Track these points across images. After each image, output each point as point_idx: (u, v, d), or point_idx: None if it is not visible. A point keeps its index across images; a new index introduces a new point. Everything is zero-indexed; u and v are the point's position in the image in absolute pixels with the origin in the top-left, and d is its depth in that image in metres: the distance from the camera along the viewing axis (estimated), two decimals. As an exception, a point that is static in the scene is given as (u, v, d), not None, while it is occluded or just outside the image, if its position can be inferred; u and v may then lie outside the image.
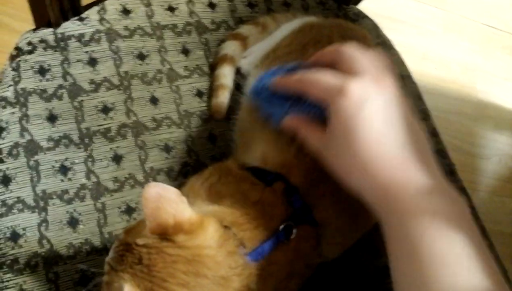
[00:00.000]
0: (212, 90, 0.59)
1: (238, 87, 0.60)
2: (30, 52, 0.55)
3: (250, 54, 0.61)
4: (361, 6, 0.71)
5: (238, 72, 0.60)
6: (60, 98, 0.55)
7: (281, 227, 0.42)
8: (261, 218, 0.42)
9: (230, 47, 0.60)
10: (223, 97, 0.58)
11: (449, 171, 0.64)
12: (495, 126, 1.41)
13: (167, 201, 0.37)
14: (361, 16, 0.70)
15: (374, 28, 0.70)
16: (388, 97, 0.38)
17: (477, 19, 1.48)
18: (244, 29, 0.62)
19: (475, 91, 1.42)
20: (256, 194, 0.44)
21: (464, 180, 0.64)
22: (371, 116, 0.37)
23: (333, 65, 0.40)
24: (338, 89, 0.37)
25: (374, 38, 0.68)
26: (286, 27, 0.59)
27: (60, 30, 0.57)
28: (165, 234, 0.38)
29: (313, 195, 0.44)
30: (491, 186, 1.34)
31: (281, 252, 0.42)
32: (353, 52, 0.39)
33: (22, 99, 0.54)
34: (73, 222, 0.51)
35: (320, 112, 0.41)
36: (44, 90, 0.54)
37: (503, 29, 1.48)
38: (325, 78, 0.39)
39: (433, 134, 0.66)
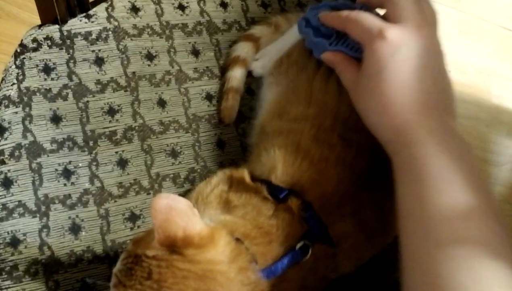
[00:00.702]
0: (222, 93, 0.57)
1: (249, 91, 0.58)
2: (35, 49, 0.53)
3: (263, 57, 0.58)
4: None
5: (250, 75, 0.58)
6: (65, 98, 0.53)
7: (298, 245, 0.40)
8: (275, 234, 0.41)
9: (243, 49, 0.58)
10: (234, 101, 0.56)
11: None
12: (508, 133, 1.38)
13: (178, 213, 0.36)
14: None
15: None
16: (424, 46, 0.39)
17: (494, 21, 1.44)
18: (257, 30, 0.59)
19: (490, 96, 1.39)
20: (269, 208, 0.42)
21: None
22: (403, 61, 0.38)
23: (382, 6, 0.43)
24: (378, 32, 0.39)
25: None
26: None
27: (66, 27, 0.55)
28: (174, 246, 0.36)
29: (329, 214, 0.42)
30: (502, 194, 1.32)
31: (295, 270, 0.40)
32: None
33: (25, 98, 0.52)
34: (75, 229, 0.49)
35: (359, 51, 0.43)
36: (49, 90, 0.53)
37: (520, 32, 1.45)
38: (367, 19, 0.40)
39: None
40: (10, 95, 0.51)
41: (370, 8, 0.45)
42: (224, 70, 0.58)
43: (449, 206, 0.35)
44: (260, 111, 0.53)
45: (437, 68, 0.40)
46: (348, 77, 0.43)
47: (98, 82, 0.54)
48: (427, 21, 0.40)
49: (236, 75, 0.57)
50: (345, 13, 0.43)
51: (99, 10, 0.56)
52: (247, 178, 0.45)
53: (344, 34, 0.45)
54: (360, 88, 0.41)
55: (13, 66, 0.53)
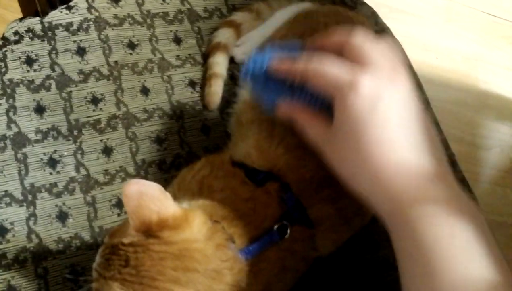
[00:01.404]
0: (205, 80, 0.57)
1: (232, 77, 0.59)
2: (16, 42, 0.54)
3: (245, 43, 0.59)
4: (359, -6, 0.69)
5: (232, 61, 0.59)
6: (48, 89, 0.53)
7: (276, 226, 0.40)
8: (253, 216, 0.41)
9: (224, 35, 0.58)
10: (217, 87, 0.57)
11: (450, 162, 0.62)
12: (496, 117, 1.39)
13: (149, 198, 0.36)
14: (359, 3, 0.68)
15: (372, 16, 0.68)
16: (402, 96, 0.34)
17: (479, 8, 1.45)
18: (238, 16, 0.60)
19: (477, 81, 1.40)
20: (247, 191, 0.42)
21: (465, 171, 0.63)
22: (385, 117, 0.33)
23: (340, 52, 0.36)
24: (349, 84, 0.33)
25: (373, 26, 0.67)
26: (281, 13, 0.57)
27: (47, 19, 0.55)
28: (150, 231, 0.36)
29: (309, 196, 0.43)
30: (493, 176, 1.33)
31: (274, 251, 0.40)
32: (364, 42, 0.35)
33: (9, 90, 0.52)
34: (62, 216, 0.49)
35: (322, 103, 0.37)
36: (32, 81, 0.53)
37: (506, 18, 1.46)
38: (333, 69, 0.35)
39: (434, 124, 0.64)
40: (-7, 87, 0.52)
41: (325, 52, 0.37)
42: (206, 57, 0.59)
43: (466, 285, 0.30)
44: (237, 100, 0.54)
45: (420, 119, 0.35)
46: (315, 134, 0.37)
47: (80, 72, 0.54)
48: (396, 66, 0.35)
49: (218, 61, 0.57)
50: (302, 62, 0.36)
51: (80, 1, 0.57)
52: (226, 162, 0.45)
53: (299, 84, 0.38)
54: (336, 149, 0.36)
55: (-5, 59, 0.53)
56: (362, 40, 0.35)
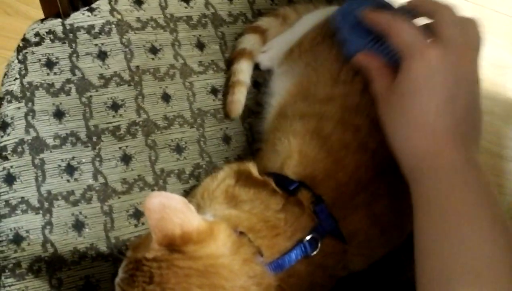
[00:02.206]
0: (227, 87, 0.55)
1: (255, 85, 0.57)
2: (37, 43, 0.52)
3: (270, 49, 0.57)
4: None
5: (257, 68, 0.56)
6: (68, 93, 0.52)
7: (306, 239, 0.39)
8: (282, 227, 0.40)
9: (249, 41, 0.56)
10: (240, 95, 0.54)
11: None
12: (525, 127, 1.34)
13: (172, 211, 0.35)
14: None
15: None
16: (463, 73, 0.37)
17: (508, 13, 1.40)
18: (264, 22, 0.58)
19: (505, 90, 1.35)
20: (278, 202, 0.41)
21: (490, 183, 0.59)
22: (440, 86, 0.37)
23: (429, 16, 0.41)
24: (419, 50, 0.37)
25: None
26: (308, 18, 0.55)
27: (69, 21, 0.54)
28: (173, 245, 0.35)
29: (342, 207, 0.41)
30: (519, 190, 1.28)
31: (304, 265, 0.39)
32: (450, 16, 0.39)
33: (28, 93, 0.51)
34: (78, 225, 0.48)
35: (395, 60, 0.40)
36: (51, 85, 0.52)
37: (537, 24, 1.41)
38: (411, 32, 0.39)
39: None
40: (12, 90, 0.51)
41: (416, 14, 0.42)
42: (229, 63, 0.57)
43: (471, 247, 0.34)
44: (275, 98, 0.51)
45: (472, 98, 0.38)
46: (379, 86, 0.41)
47: (101, 76, 0.53)
48: (471, 46, 0.39)
49: (242, 68, 0.55)
50: (389, 16, 0.41)
51: (102, 4, 0.55)
52: (254, 171, 0.44)
53: (382, 37, 0.42)
54: (391, 102, 0.39)
55: (16, 61, 0.52)
56: (449, 14, 0.39)
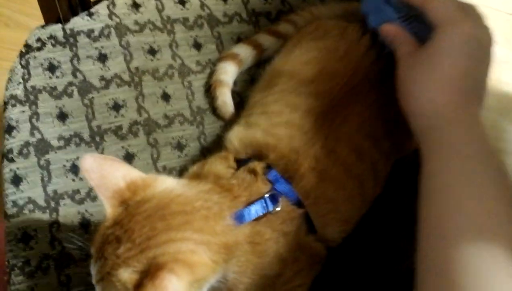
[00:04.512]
0: (211, 86, 0.56)
1: (252, 81, 0.58)
2: (39, 48, 0.54)
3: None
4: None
5: (256, 65, 0.57)
6: (70, 95, 0.53)
7: (267, 194, 0.40)
8: (237, 191, 0.41)
9: (244, 51, 0.56)
10: (223, 97, 0.54)
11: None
12: (521, 120, 1.36)
13: (110, 166, 0.36)
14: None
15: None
16: (486, 42, 0.43)
17: (501, 9, 1.42)
18: (261, 38, 0.57)
19: (500, 84, 1.36)
20: (230, 172, 0.43)
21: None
22: (468, 53, 0.41)
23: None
24: (458, 21, 0.42)
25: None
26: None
27: (69, 25, 0.55)
28: (125, 200, 0.36)
29: (292, 171, 0.42)
30: (517, 182, 1.29)
31: (266, 227, 0.40)
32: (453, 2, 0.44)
33: (32, 97, 0.52)
34: (84, 223, 0.49)
35: (422, 36, 0.44)
36: (54, 88, 0.53)
37: (529, 18, 1.42)
38: (448, 4, 0.43)
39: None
40: (17, 94, 0.52)
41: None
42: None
43: (473, 202, 0.36)
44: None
45: (488, 65, 0.43)
46: (405, 51, 0.44)
47: (102, 78, 0.54)
48: (482, 23, 0.44)
49: (227, 69, 0.55)
50: None
51: (101, 8, 0.57)
52: (228, 155, 0.46)
53: (413, 16, 0.45)
54: (418, 61, 0.43)
55: (19, 66, 0.53)
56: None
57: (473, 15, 0.43)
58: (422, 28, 0.45)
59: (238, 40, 0.59)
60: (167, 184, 0.38)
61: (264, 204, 0.40)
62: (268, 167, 0.43)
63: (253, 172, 0.42)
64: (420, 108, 0.42)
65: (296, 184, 0.42)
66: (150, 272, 0.33)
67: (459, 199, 0.36)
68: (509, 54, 1.38)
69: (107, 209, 0.36)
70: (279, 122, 0.45)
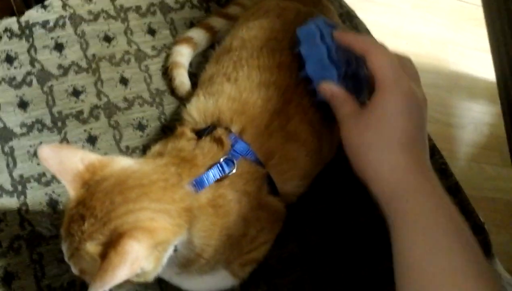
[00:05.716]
0: (168, 69, 0.59)
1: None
2: (-5, 42, 0.56)
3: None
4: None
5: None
6: (29, 84, 0.55)
7: (222, 159, 0.43)
8: (198, 159, 0.43)
9: (198, 35, 0.59)
10: (180, 77, 0.58)
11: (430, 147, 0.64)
12: (468, 96, 1.44)
13: (67, 152, 0.38)
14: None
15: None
16: (422, 100, 0.43)
17: (452, -3, 1.50)
18: (215, 22, 0.60)
19: (447, 63, 1.44)
20: (192, 143, 0.45)
21: (442, 150, 0.65)
22: (412, 113, 0.41)
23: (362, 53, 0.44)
24: (398, 78, 0.41)
25: (338, 9, 0.70)
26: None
27: (24, 18, 0.57)
28: (85, 182, 0.38)
29: (258, 135, 0.45)
30: (469, 153, 1.37)
31: (228, 189, 0.42)
32: (390, 55, 0.43)
33: (-9, 88, 0.54)
34: (52, 203, 0.51)
35: (361, 94, 0.44)
36: (13, 78, 0.55)
37: (470, 1, 1.51)
38: (390, 57, 0.42)
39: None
40: (-24, 87, 0.54)
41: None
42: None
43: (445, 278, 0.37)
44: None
45: (425, 117, 0.44)
46: (346, 112, 0.43)
47: (60, 66, 0.57)
48: (416, 77, 0.45)
49: (182, 52, 0.58)
50: (368, 39, 0.45)
51: (54, 0, 0.59)
52: (185, 129, 0.47)
53: (351, 72, 0.46)
54: (364, 124, 0.42)
55: (-24, 60, 0.55)
56: (387, 53, 0.43)
57: (410, 69, 0.44)
58: (356, 80, 0.46)
59: (191, 24, 0.63)
60: (124, 163, 0.41)
61: (220, 168, 0.43)
62: (230, 132, 0.45)
63: (218, 139, 0.44)
64: (381, 176, 0.41)
65: (261, 145, 0.45)
66: (112, 241, 0.36)
67: (433, 276, 0.37)
68: (452, 35, 1.47)
69: (70, 191, 0.38)
70: (244, 87, 0.47)
